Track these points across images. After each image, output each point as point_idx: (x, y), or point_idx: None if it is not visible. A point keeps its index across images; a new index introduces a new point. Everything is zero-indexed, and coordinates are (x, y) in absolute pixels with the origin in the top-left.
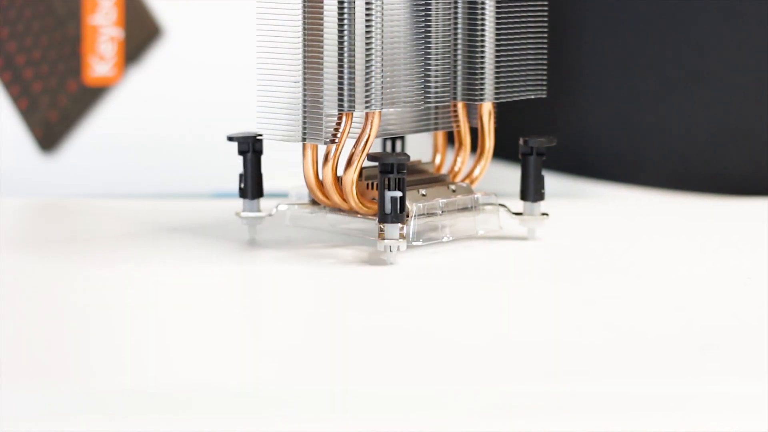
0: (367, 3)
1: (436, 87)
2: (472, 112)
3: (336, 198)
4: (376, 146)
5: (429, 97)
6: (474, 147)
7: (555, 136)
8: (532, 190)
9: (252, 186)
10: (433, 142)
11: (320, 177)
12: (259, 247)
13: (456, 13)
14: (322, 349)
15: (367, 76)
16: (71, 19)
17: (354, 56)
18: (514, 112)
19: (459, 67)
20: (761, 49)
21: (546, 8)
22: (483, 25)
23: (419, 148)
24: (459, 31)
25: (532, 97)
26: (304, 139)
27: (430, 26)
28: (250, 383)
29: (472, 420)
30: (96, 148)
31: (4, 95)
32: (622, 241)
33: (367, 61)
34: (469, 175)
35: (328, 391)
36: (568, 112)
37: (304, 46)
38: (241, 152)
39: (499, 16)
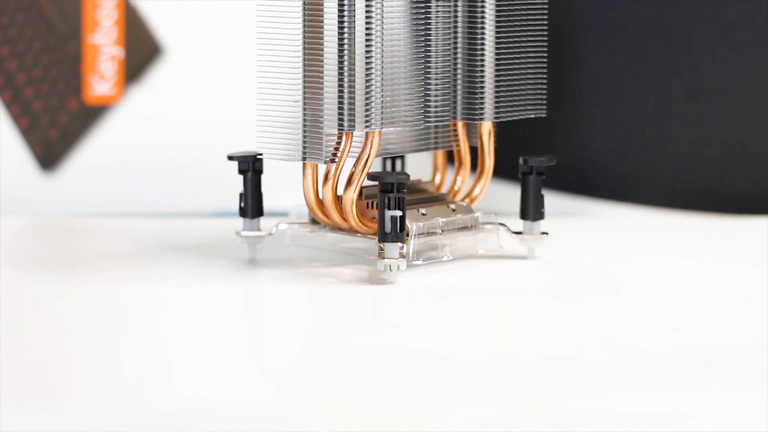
0: (366, 23)
1: (436, 106)
2: (472, 132)
3: (336, 217)
4: (376, 165)
5: (429, 117)
6: (474, 166)
7: (554, 155)
8: (531, 210)
9: (252, 205)
10: (433, 161)
11: (320, 196)
12: (260, 266)
13: (456, 32)
14: (322, 367)
15: (367, 96)
16: (72, 38)
17: (354, 76)
18: (513, 132)
19: (459, 87)
20: (760, 68)
21: (545, 28)
22: (483, 44)
23: (419, 167)
24: (459, 50)
25: (532, 116)
26: (304, 159)
27: (429, 46)
28: (250, 401)
29: None
30: (96, 167)
31: (4, 114)
32: (622, 260)
33: (367, 81)
34: (469, 194)
35: (328, 409)
36: (568, 131)
37: (304, 65)
38: (241, 171)
39: (499, 35)
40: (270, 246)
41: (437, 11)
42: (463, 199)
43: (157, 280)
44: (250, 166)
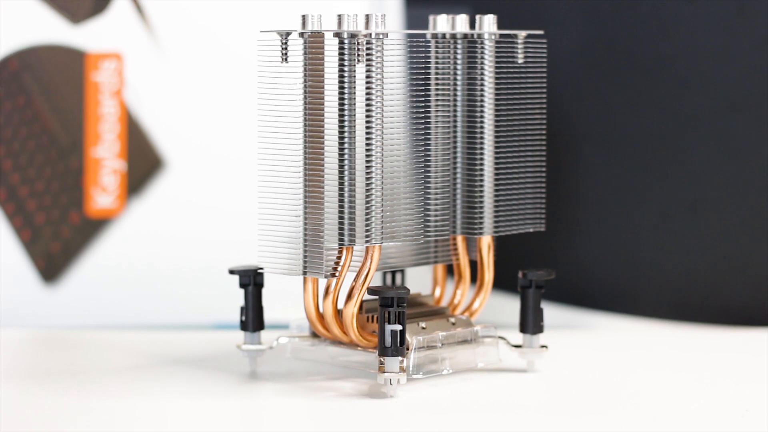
0: (367, 138)
1: (436, 221)
2: (472, 245)
3: (336, 331)
4: (376, 279)
5: (429, 231)
6: (473, 279)
7: (554, 268)
8: (531, 323)
9: (253, 319)
10: (432, 274)
11: (321, 310)
12: (260, 380)
13: (455, 147)
14: None
15: (368, 211)
16: (74, 151)
17: (354, 191)
18: (512, 245)
19: (458, 202)
20: (757, 179)
21: (544, 142)
22: (482, 159)
23: (419, 280)
24: (458, 165)
25: (531, 230)
26: (304, 273)
27: (429, 160)
28: None
29: None
30: (98, 280)
31: (6, 226)
32: (622, 373)
33: (367, 196)
34: (468, 307)
35: None
36: (567, 244)
37: (305, 180)
38: (242, 285)
39: (498, 150)
40: (271, 359)
41: (436, 127)
42: (462, 313)
43: (158, 393)
44: (251, 280)
